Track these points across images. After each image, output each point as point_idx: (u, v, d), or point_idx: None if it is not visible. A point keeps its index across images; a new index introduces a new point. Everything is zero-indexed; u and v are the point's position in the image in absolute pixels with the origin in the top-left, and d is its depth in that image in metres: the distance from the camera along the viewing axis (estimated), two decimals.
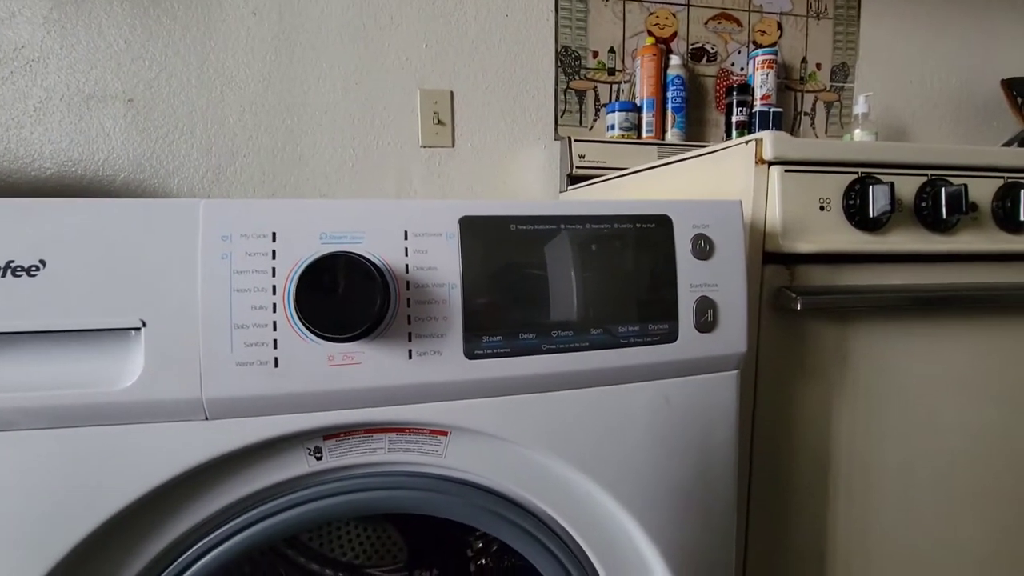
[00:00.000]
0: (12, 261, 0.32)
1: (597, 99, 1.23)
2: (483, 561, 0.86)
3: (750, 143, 0.50)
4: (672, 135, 1.21)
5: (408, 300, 0.36)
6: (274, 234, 0.35)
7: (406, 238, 0.37)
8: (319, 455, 0.38)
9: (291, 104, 1.08)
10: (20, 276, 0.32)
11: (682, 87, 1.20)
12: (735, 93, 1.24)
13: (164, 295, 0.33)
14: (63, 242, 0.32)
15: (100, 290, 0.33)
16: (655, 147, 1.16)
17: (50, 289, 0.32)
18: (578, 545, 0.43)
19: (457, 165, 1.17)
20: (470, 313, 0.37)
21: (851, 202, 0.50)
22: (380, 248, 0.36)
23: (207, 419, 0.34)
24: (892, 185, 0.48)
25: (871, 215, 0.49)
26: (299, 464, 0.38)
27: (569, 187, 1.14)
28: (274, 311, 0.34)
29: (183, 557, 0.36)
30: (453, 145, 1.16)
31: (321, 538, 0.80)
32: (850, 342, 0.52)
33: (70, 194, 1.00)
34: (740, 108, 1.24)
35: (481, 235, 0.38)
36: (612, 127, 1.19)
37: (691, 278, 0.42)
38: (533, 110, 1.20)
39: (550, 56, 1.20)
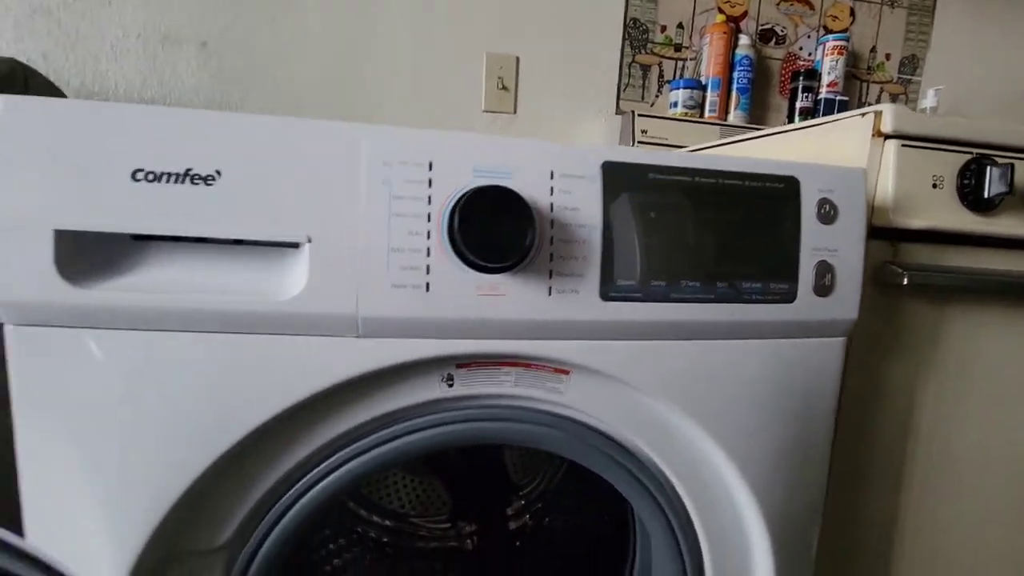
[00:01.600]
0: (191, 168, 0.33)
1: (661, 75, 1.22)
2: (526, 518, 0.88)
3: (867, 115, 0.50)
4: (735, 116, 1.19)
5: (551, 238, 0.37)
6: (431, 163, 0.36)
7: (552, 178, 0.37)
8: (451, 382, 0.39)
9: (359, 59, 1.08)
10: (198, 184, 0.33)
11: (749, 68, 1.19)
12: (802, 78, 1.22)
13: (329, 214, 0.34)
14: (239, 155, 0.33)
15: (271, 204, 0.34)
16: (718, 127, 1.15)
17: (225, 199, 0.33)
18: (677, 493, 0.45)
19: (518, 132, 1.17)
20: (608, 256, 0.38)
21: (965, 181, 0.50)
22: (528, 185, 0.37)
23: (359, 336, 0.36)
24: (1011, 167, 0.48)
25: (985, 196, 0.49)
26: (433, 389, 0.39)
27: None
28: (428, 238, 0.36)
29: (322, 466, 0.38)
30: (515, 111, 1.16)
31: (370, 486, 0.83)
32: (945, 323, 0.53)
33: None
34: (805, 94, 1.22)
35: (622, 181, 0.39)
36: (675, 104, 1.18)
37: (813, 241, 0.43)
38: (597, 81, 1.20)
39: (618, 28, 1.19)
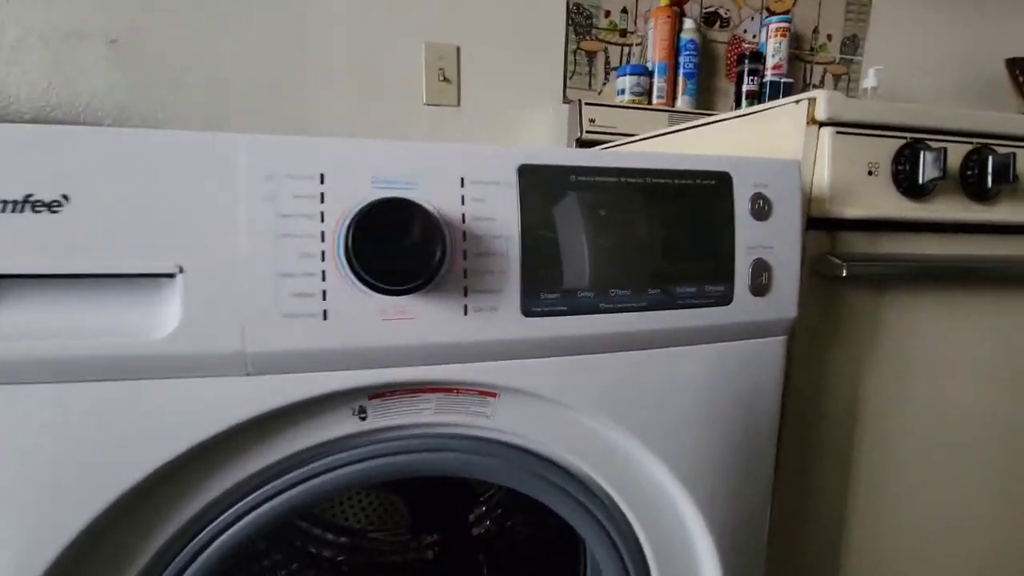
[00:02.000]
0: (31, 195, 0.28)
1: (607, 61, 1.19)
2: (487, 524, 0.86)
3: (801, 102, 0.49)
4: (683, 102, 1.18)
5: (464, 252, 0.34)
6: (322, 175, 0.32)
7: (462, 186, 0.34)
8: (364, 415, 0.36)
9: (291, 52, 1.02)
10: (40, 212, 0.28)
11: (695, 52, 1.17)
12: (747, 61, 1.21)
13: (204, 239, 0.30)
14: (90, 176, 0.29)
15: (132, 231, 0.29)
16: (666, 114, 1.13)
17: (75, 227, 0.29)
18: (620, 510, 0.42)
19: (462, 125, 1.13)
20: (528, 268, 0.35)
21: (900, 168, 0.48)
22: (436, 195, 0.33)
23: (249, 375, 0.32)
24: (944, 151, 0.47)
25: (920, 182, 0.48)
26: (344, 424, 0.36)
27: None
28: (323, 260, 0.32)
29: (222, 518, 0.34)
30: (459, 104, 1.12)
31: (327, 503, 0.79)
32: (884, 311, 0.52)
33: None
34: (751, 77, 1.21)
35: (540, 185, 0.35)
36: (623, 91, 1.15)
37: (748, 239, 0.41)
38: (542, 70, 1.16)
39: (561, 14, 1.15)
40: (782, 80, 1.21)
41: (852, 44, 1.34)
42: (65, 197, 0.29)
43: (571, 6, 1.15)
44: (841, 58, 1.34)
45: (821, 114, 0.47)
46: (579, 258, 0.36)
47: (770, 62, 1.22)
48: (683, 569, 0.43)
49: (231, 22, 0.99)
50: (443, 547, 0.85)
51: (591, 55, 1.18)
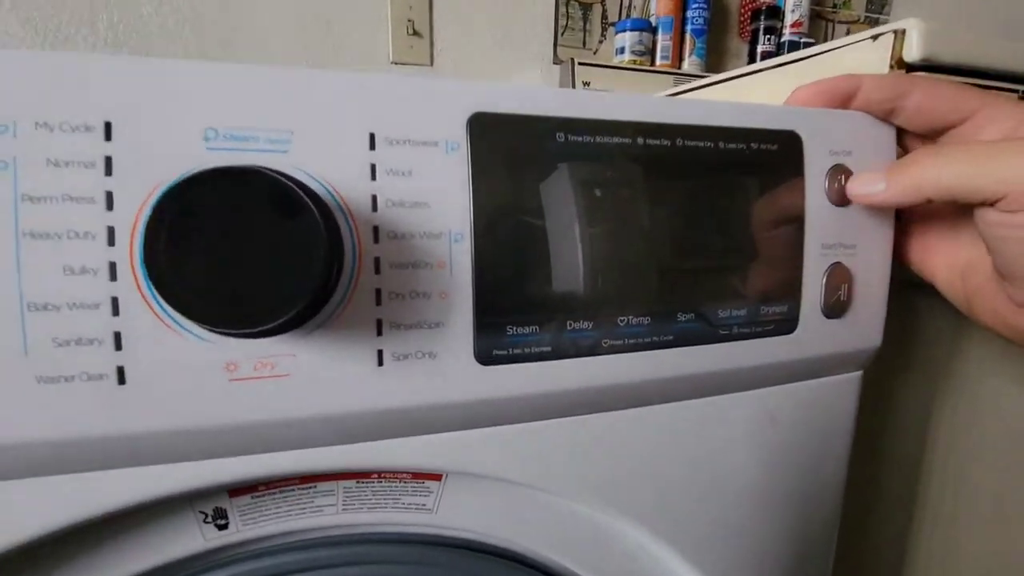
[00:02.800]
0: None
1: (605, 15, 1.04)
2: None
3: (881, 37, 0.34)
4: (690, 64, 1.03)
5: (377, 261, 0.20)
6: (108, 125, 0.18)
7: (373, 146, 0.20)
8: (223, 521, 0.22)
9: (228, 2, 0.85)
10: None
11: (705, 6, 1.02)
12: (763, 18, 1.06)
13: None
14: None
15: None
16: (671, 77, 0.99)
17: None
18: None
19: None
20: (486, 286, 0.21)
21: None
22: (323, 163, 0.19)
23: (4, 478, 0.18)
24: None
25: None
26: (187, 538, 0.22)
27: None
28: (113, 277, 0.18)
29: None
30: (432, 64, 0.96)
31: None
32: (963, 334, 0.39)
33: None
34: (767, 36, 1.07)
35: (507, 148, 0.21)
36: (622, 50, 1.00)
37: (824, 234, 0.27)
38: (529, 25, 1.00)
39: None
40: (802, 40, 1.07)
41: (878, 1, 1.19)
42: None
43: None
44: (866, 16, 1.19)
45: (913, 53, 0.33)
46: (570, 268, 0.22)
47: (789, 19, 1.07)
48: None
49: None
50: None
51: (586, 7, 1.03)
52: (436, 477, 0.24)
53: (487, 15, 0.97)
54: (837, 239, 0.27)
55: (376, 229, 0.20)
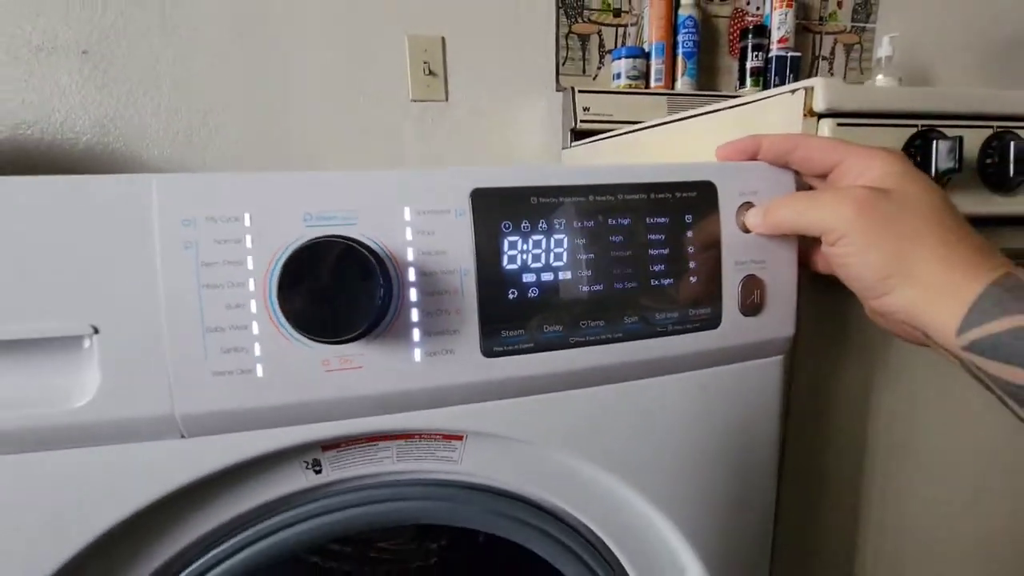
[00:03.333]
0: None
1: (602, 44, 1.14)
2: None
3: (797, 92, 0.44)
4: (683, 84, 1.12)
5: (414, 292, 0.31)
6: (248, 216, 0.29)
7: (408, 217, 0.31)
8: (318, 468, 0.33)
9: (266, 53, 0.98)
10: None
11: (694, 30, 1.11)
12: (750, 36, 1.14)
13: (119, 294, 0.27)
14: None
15: (36, 290, 0.27)
16: (665, 97, 1.08)
17: None
18: (607, 548, 0.40)
19: (451, 121, 1.09)
20: (488, 304, 0.32)
21: (911, 159, 0.44)
22: (378, 230, 0.30)
23: (184, 437, 0.29)
24: (960, 140, 0.42)
25: (933, 174, 0.43)
26: (296, 479, 0.33)
27: (573, 143, 1.06)
28: (254, 310, 0.29)
29: (187, 571, 0.32)
30: (446, 99, 1.07)
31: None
32: None
33: (30, 161, 0.91)
34: (756, 53, 1.15)
35: (497, 211, 0.32)
36: (619, 76, 1.10)
37: (736, 254, 0.37)
38: (532, 58, 1.11)
39: None
40: (788, 54, 1.14)
41: (864, 11, 1.26)
42: None
43: None
44: (853, 26, 1.26)
45: (819, 105, 0.43)
46: (545, 289, 0.33)
47: (775, 35, 1.15)
48: None
49: (205, 22, 0.95)
50: (447, 554, 0.83)
51: (584, 38, 1.13)
52: (459, 437, 0.35)
53: (494, 52, 1.08)
54: (748, 256, 0.37)
55: (413, 271, 0.31)
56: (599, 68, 1.14)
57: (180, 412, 0.28)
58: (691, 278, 0.36)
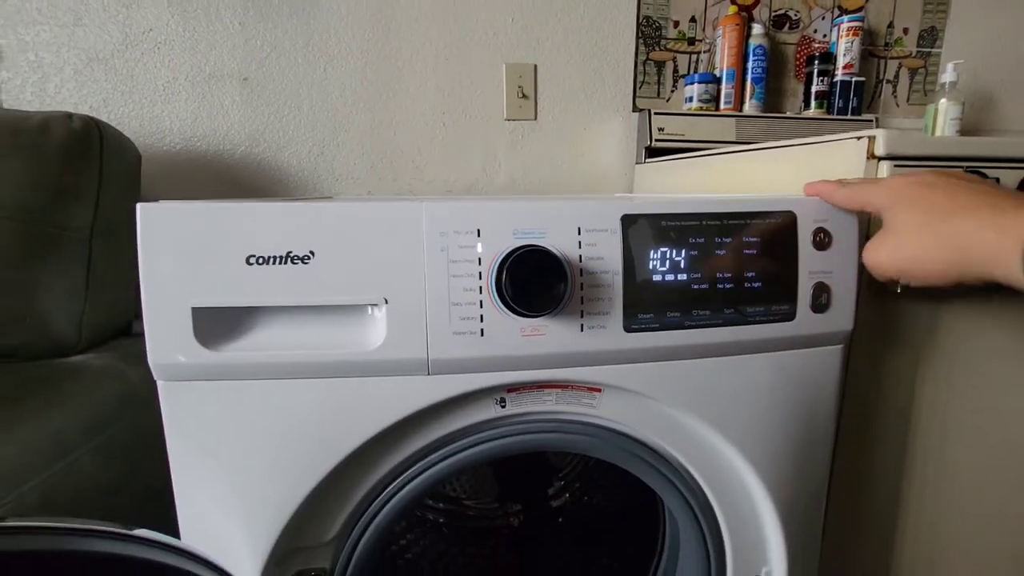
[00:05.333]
0: (291, 251, 0.42)
1: (676, 70, 1.25)
2: (566, 496, 0.98)
3: (862, 139, 0.55)
4: (750, 106, 1.22)
5: (581, 284, 0.45)
6: (479, 230, 0.43)
7: (579, 233, 0.45)
8: (503, 404, 0.48)
9: (387, 80, 1.15)
10: (297, 264, 0.42)
11: (763, 57, 1.21)
12: (816, 62, 1.23)
13: (400, 279, 0.43)
14: (326, 237, 0.42)
15: (353, 275, 0.42)
16: (733, 119, 1.19)
17: (318, 273, 0.42)
18: (697, 483, 0.53)
19: (539, 138, 1.23)
20: (629, 295, 0.45)
21: None
22: (560, 241, 0.44)
23: (429, 374, 0.44)
24: (997, 180, 0.53)
25: None
26: (488, 410, 0.48)
27: (647, 159, 1.18)
28: (480, 292, 0.43)
29: (405, 474, 0.47)
30: (536, 118, 1.22)
31: (447, 480, 0.93)
32: (940, 321, 0.58)
33: (198, 167, 1.12)
34: (821, 78, 1.24)
35: (639, 229, 0.46)
36: (691, 99, 1.21)
37: (810, 266, 0.49)
38: (612, 82, 1.24)
39: (631, 27, 1.22)
40: (853, 79, 1.23)
41: (930, 36, 1.32)
42: (312, 252, 0.42)
43: (641, 19, 1.22)
44: (918, 51, 1.33)
45: (880, 150, 0.54)
46: (668, 286, 0.46)
47: (841, 61, 1.24)
48: (750, 532, 0.53)
49: (335, 57, 1.13)
50: (526, 515, 0.98)
51: (660, 64, 1.25)
52: (598, 389, 0.49)
53: (578, 77, 1.22)
54: (819, 268, 0.49)
55: (581, 271, 0.45)
56: (672, 91, 1.26)
57: (431, 357, 0.44)
58: (774, 283, 0.48)
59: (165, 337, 0.41)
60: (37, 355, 0.76)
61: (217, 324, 0.42)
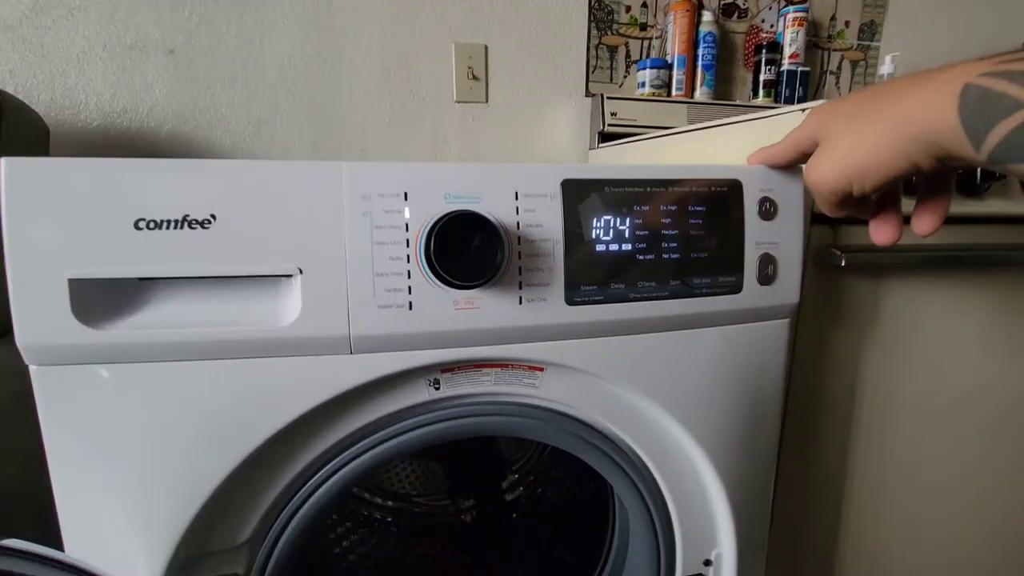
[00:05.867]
0: (188, 215, 0.36)
1: (628, 55, 1.24)
2: (519, 490, 0.95)
3: (807, 111, 0.54)
4: (701, 93, 1.23)
5: (519, 254, 0.41)
6: (406, 194, 0.39)
7: (516, 198, 0.41)
8: (437, 386, 0.44)
9: (329, 57, 1.09)
10: (195, 228, 0.37)
11: (713, 44, 1.21)
12: (764, 51, 1.25)
13: (317, 246, 0.38)
14: (231, 199, 0.37)
15: (262, 242, 0.38)
16: (685, 105, 1.18)
17: (220, 240, 0.37)
18: (646, 466, 0.50)
19: (490, 121, 1.19)
20: (570, 265, 0.43)
21: None
22: (496, 207, 0.41)
23: (352, 353, 0.40)
24: None
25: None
26: (421, 393, 0.44)
27: (600, 144, 1.17)
28: (408, 262, 0.40)
29: (328, 466, 0.43)
30: (487, 101, 1.18)
31: (381, 471, 0.88)
32: (881, 294, 0.59)
33: (117, 147, 1.02)
34: (768, 67, 1.25)
35: (580, 196, 0.43)
36: (643, 84, 1.21)
37: (756, 236, 0.47)
38: (565, 66, 1.21)
39: (584, 10, 1.20)
40: (799, 69, 1.25)
41: (870, 30, 1.36)
42: (213, 216, 0.37)
43: (593, 3, 1.20)
44: (859, 44, 1.36)
45: None
46: (611, 256, 0.44)
47: (787, 51, 1.26)
48: (700, 514, 0.51)
49: (274, 28, 1.06)
50: (479, 511, 0.94)
51: (612, 49, 1.23)
52: (540, 368, 0.46)
53: (531, 59, 1.19)
54: (766, 239, 0.48)
55: (519, 239, 0.41)
56: (625, 77, 1.25)
57: (354, 333, 0.39)
58: (721, 254, 0.47)
59: (36, 314, 0.36)
60: None
61: (100, 298, 0.37)
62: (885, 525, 0.65)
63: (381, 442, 0.44)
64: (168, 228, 0.36)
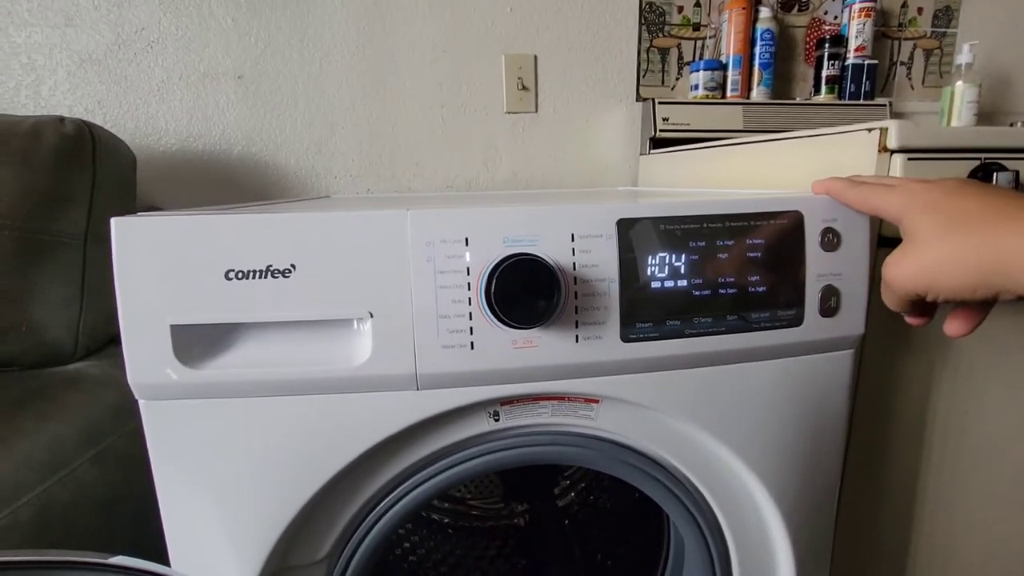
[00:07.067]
0: (271, 265, 0.40)
1: (680, 56, 1.22)
2: (571, 496, 0.97)
3: (873, 131, 0.52)
4: (758, 93, 1.18)
5: (576, 293, 0.43)
6: (466, 239, 0.41)
7: (572, 240, 0.43)
8: (497, 417, 0.46)
9: (384, 75, 1.13)
10: (278, 277, 0.40)
11: (771, 42, 1.17)
12: (827, 45, 1.19)
13: (386, 291, 0.41)
14: (308, 250, 0.40)
15: (337, 288, 0.40)
16: (740, 107, 1.15)
17: (300, 287, 0.40)
18: (703, 496, 0.51)
19: (540, 130, 1.20)
20: (626, 303, 0.43)
21: None
22: (552, 249, 0.42)
23: (418, 389, 0.43)
24: (1017, 173, 0.50)
25: None
26: (481, 424, 0.46)
27: (651, 151, 1.15)
28: (469, 304, 0.42)
29: (398, 490, 0.46)
30: (536, 110, 1.19)
31: (441, 494, 0.92)
32: None
33: (195, 168, 1.10)
34: (832, 62, 1.19)
35: (635, 234, 0.43)
36: (696, 87, 1.18)
37: (818, 268, 0.46)
38: (615, 71, 1.20)
39: (634, 13, 1.18)
40: (865, 62, 1.18)
41: (945, 16, 1.27)
42: (293, 266, 0.40)
43: (644, 5, 1.18)
44: (933, 32, 1.27)
45: (893, 143, 0.51)
46: (667, 293, 0.44)
47: (853, 44, 1.19)
48: (758, 547, 0.51)
49: (333, 50, 1.11)
50: (531, 515, 0.97)
51: (664, 51, 1.21)
52: (596, 401, 0.47)
53: (579, 66, 1.18)
54: (828, 270, 0.47)
55: (575, 279, 0.43)
56: (677, 79, 1.22)
57: (420, 371, 0.42)
58: (780, 287, 0.46)
59: (144, 356, 0.40)
60: (33, 364, 0.76)
61: (197, 341, 0.41)
62: (954, 569, 0.62)
63: (445, 469, 0.46)
64: (254, 278, 0.40)
